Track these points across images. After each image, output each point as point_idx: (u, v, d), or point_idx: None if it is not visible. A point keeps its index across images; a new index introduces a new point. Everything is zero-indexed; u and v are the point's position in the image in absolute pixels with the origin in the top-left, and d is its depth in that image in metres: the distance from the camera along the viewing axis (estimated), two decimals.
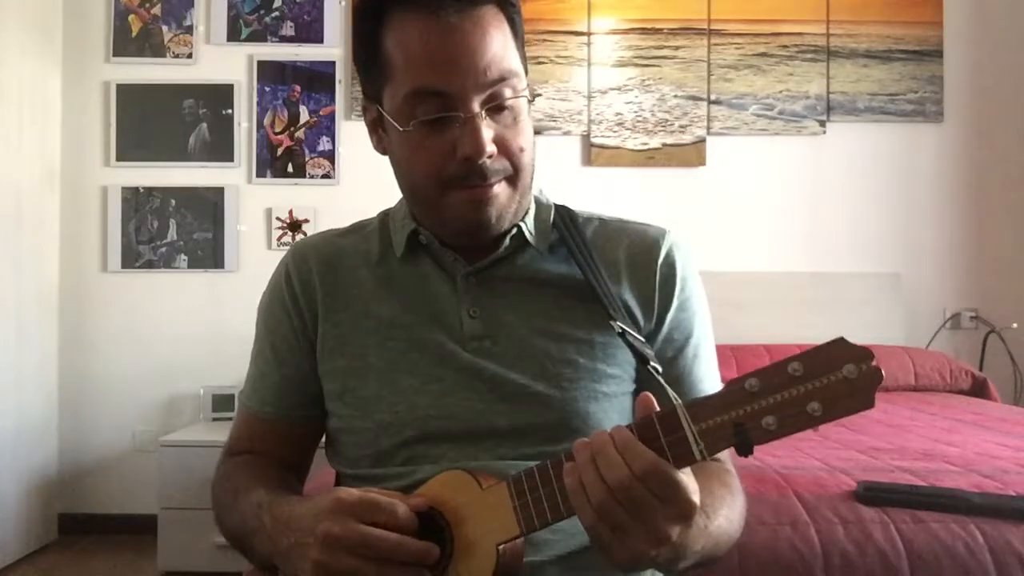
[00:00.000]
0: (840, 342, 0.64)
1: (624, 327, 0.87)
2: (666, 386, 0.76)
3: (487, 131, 0.84)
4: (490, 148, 0.84)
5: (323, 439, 1.03)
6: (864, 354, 0.63)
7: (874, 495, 1.36)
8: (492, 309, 0.92)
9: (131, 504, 3.18)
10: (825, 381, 0.64)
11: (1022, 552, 1.25)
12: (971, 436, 1.93)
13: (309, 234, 1.07)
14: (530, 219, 0.96)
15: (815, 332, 3.11)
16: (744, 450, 0.66)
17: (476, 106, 0.84)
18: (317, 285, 0.96)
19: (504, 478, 0.77)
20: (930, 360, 2.92)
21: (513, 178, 0.88)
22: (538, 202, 0.99)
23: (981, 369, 3.15)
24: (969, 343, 3.32)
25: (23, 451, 2.93)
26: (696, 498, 0.69)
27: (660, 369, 0.85)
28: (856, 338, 0.63)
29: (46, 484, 3.07)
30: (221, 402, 3.12)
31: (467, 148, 0.83)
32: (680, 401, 0.69)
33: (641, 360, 0.87)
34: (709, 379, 0.97)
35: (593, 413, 0.89)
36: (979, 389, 2.87)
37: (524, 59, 0.90)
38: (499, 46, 0.85)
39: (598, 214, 1.01)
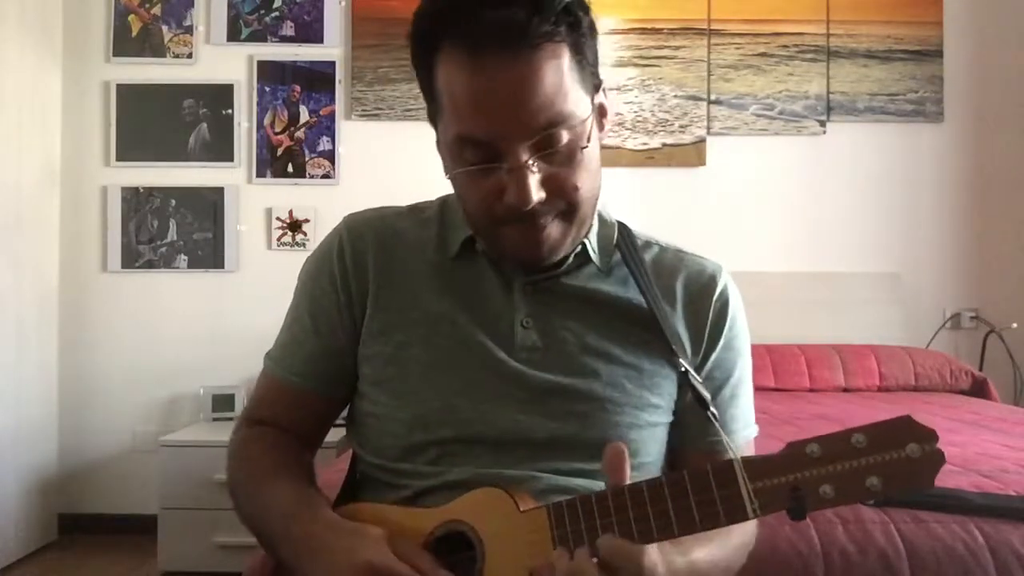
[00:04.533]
0: (906, 420, 0.64)
1: (687, 366, 0.87)
2: (725, 439, 0.76)
3: (534, 179, 0.80)
4: (537, 196, 0.81)
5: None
6: (929, 435, 0.63)
7: None
8: (547, 322, 0.91)
9: (131, 504, 3.17)
10: (887, 457, 0.64)
11: (1022, 552, 1.25)
12: (971, 436, 1.93)
13: (362, 211, 1.01)
14: (593, 236, 0.94)
15: (815, 332, 3.16)
16: (797, 514, 0.66)
17: (522, 155, 0.80)
18: (371, 265, 0.94)
19: (541, 502, 0.77)
20: (930, 360, 2.92)
21: (568, 214, 0.85)
22: (601, 219, 0.97)
23: (981, 369, 3.14)
24: (969, 343, 3.32)
25: (23, 451, 2.93)
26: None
27: (718, 415, 0.84)
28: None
29: (46, 484, 3.07)
30: (221, 402, 3.11)
31: (512, 198, 0.81)
32: (739, 457, 0.69)
33: (701, 404, 0.85)
34: (742, 420, 0.96)
35: (633, 441, 0.87)
36: (979, 389, 2.87)
37: (594, 77, 0.85)
38: (551, 88, 0.79)
39: (656, 239, 1.00)
